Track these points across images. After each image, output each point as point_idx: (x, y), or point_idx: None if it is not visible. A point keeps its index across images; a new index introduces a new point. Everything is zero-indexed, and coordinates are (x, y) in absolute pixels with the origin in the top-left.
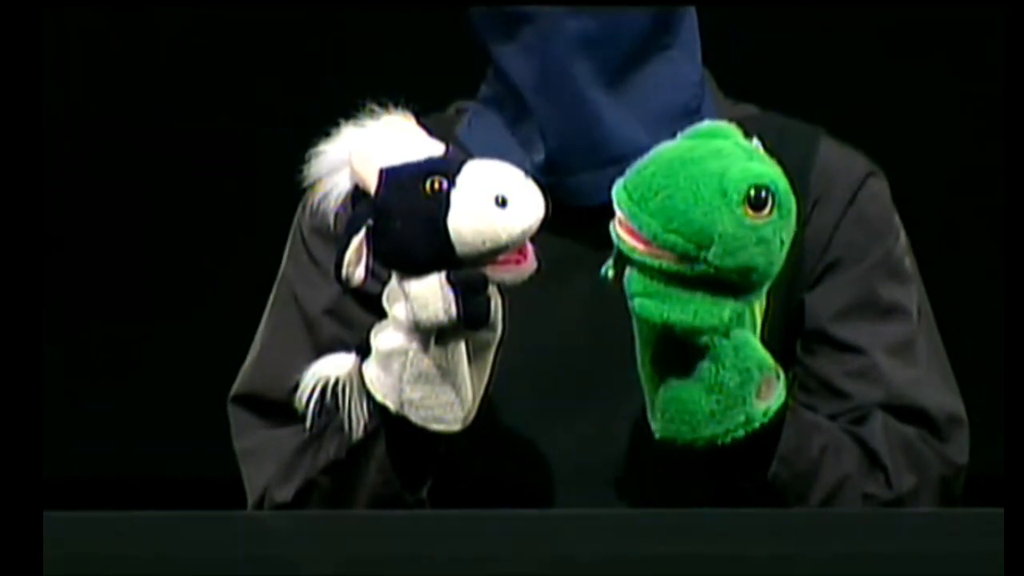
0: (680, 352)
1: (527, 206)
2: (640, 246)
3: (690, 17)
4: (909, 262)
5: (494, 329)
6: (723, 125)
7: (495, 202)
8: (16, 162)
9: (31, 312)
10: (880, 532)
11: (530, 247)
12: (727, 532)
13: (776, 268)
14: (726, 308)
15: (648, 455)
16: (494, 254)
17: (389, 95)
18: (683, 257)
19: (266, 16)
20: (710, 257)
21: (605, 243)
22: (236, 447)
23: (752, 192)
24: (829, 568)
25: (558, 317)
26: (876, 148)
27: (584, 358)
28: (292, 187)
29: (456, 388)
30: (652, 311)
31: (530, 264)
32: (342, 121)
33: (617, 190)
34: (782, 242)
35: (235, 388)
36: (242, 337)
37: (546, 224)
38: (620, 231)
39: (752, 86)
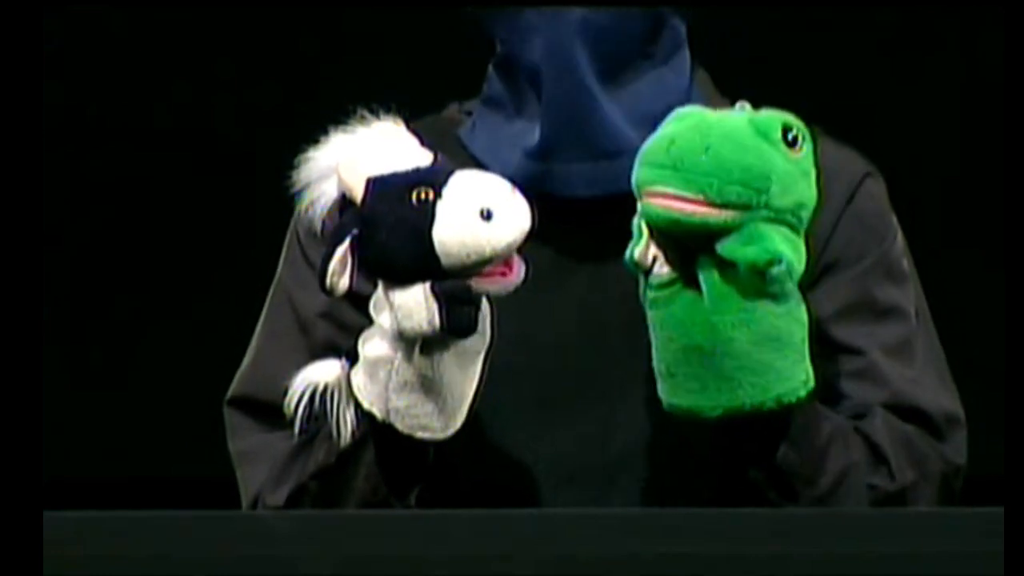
0: (753, 311)
1: (512, 219)
2: (696, 208)
3: (677, 31)
4: (906, 263)
5: (483, 337)
6: (694, 107)
7: (480, 215)
8: (15, 162)
9: (31, 312)
10: (880, 532)
11: (516, 259)
12: (727, 532)
13: (814, 203)
14: (801, 252)
15: (647, 455)
16: (479, 266)
17: (386, 96)
18: (743, 207)
19: (263, 17)
20: (771, 199)
21: (596, 237)
22: (231, 450)
23: (784, 131)
24: (829, 568)
25: (553, 320)
26: (875, 148)
27: (580, 360)
28: (291, 189)
29: (442, 397)
30: (769, 249)
31: (516, 276)
32: (333, 127)
33: (648, 170)
34: (814, 175)
35: (231, 391)
36: (241, 337)
37: (537, 228)
38: (664, 203)
39: (749, 86)
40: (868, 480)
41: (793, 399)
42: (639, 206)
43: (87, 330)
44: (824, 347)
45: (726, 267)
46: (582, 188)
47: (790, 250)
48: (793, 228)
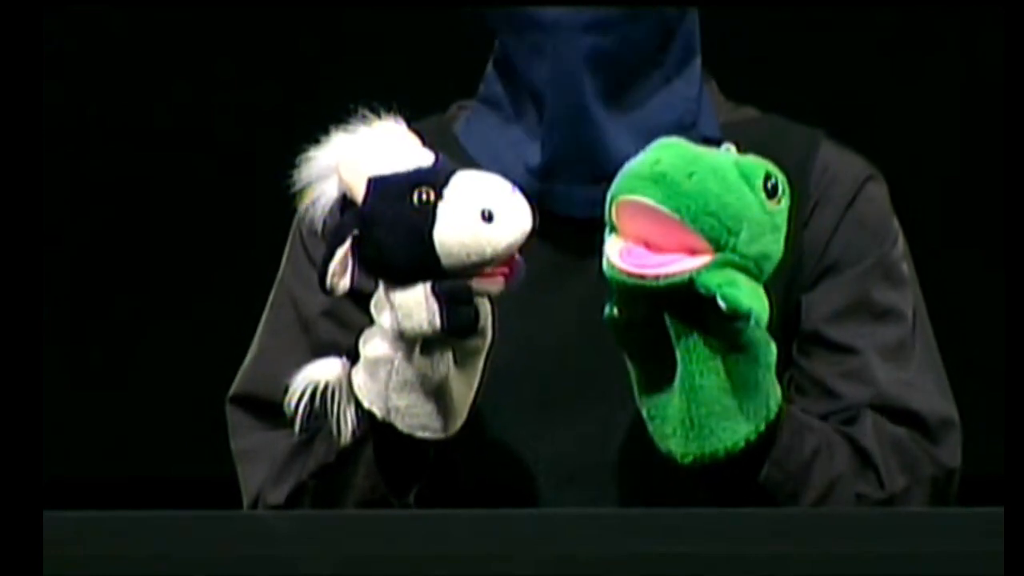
0: (722, 360)
1: (513, 221)
2: (666, 266)
3: (690, 35)
4: (906, 266)
5: (483, 337)
6: (678, 138)
7: (481, 216)
8: (16, 162)
9: (31, 312)
10: (880, 532)
11: (517, 259)
12: (727, 532)
13: (779, 257)
14: (765, 303)
15: (647, 455)
16: (479, 267)
17: (387, 96)
18: (713, 242)
19: (263, 17)
20: (738, 243)
21: (594, 253)
22: (232, 448)
23: (766, 179)
24: (829, 568)
25: (554, 321)
26: (875, 148)
27: (580, 361)
28: (291, 188)
29: (442, 397)
30: (742, 300)
31: (516, 277)
32: (333, 126)
33: (628, 180)
34: (785, 231)
35: (233, 389)
36: (241, 337)
37: (537, 232)
38: (628, 268)
39: (750, 86)
40: (856, 490)
41: (754, 436)
42: (604, 264)
43: (87, 330)
44: (820, 347)
45: (693, 320)
46: (582, 210)
47: (757, 303)
48: (755, 279)
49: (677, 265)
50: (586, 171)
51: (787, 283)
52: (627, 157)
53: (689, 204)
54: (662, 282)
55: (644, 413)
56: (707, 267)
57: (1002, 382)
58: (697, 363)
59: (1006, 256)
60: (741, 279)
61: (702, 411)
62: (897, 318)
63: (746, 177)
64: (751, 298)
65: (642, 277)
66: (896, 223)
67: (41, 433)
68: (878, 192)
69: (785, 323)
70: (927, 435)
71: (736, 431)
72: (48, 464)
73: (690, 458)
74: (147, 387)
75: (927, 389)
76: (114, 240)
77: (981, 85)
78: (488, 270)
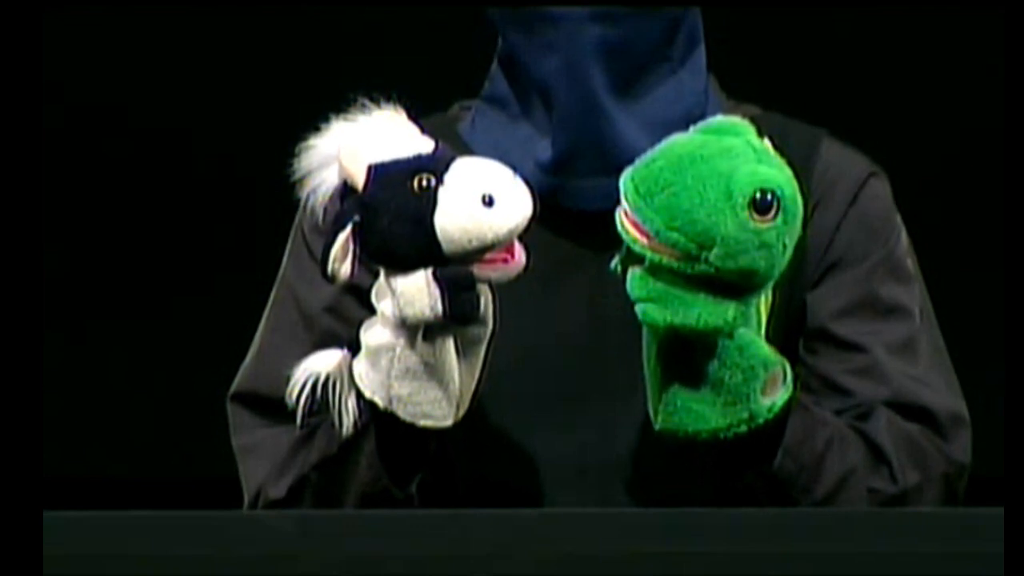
0: (685, 350)
1: (514, 206)
2: (643, 239)
3: (694, 27)
4: (911, 262)
5: (485, 325)
6: (737, 121)
7: (482, 201)
8: (16, 162)
9: (31, 312)
10: (880, 532)
11: (518, 246)
12: (727, 532)
13: (778, 272)
14: (729, 308)
15: (649, 456)
16: (480, 252)
17: (387, 93)
18: (684, 255)
19: (263, 16)
20: (711, 258)
21: (605, 247)
22: (234, 444)
23: (758, 196)
24: (829, 568)
25: (558, 318)
26: (875, 148)
27: (584, 359)
28: (292, 186)
29: (444, 384)
30: (655, 316)
31: (517, 263)
32: (334, 116)
33: (624, 180)
34: (785, 246)
35: (234, 386)
36: (242, 337)
37: (546, 225)
38: (625, 222)
39: (751, 86)
40: (868, 484)
41: (730, 435)
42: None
43: (87, 329)
44: (828, 345)
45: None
46: (595, 202)
47: (696, 316)
48: (739, 291)
49: (656, 246)
50: (598, 163)
51: (790, 281)
52: (638, 149)
53: (654, 220)
54: (639, 248)
55: (645, 369)
56: (636, 274)
57: (1002, 382)
58: (669, 344)
59: (1006, 255)
60: (676, 291)
61: (673, 385)
62: (904, 315)
63: (730, 193)
64: (677, 311)
65: (634, 237)
66: (899, 220)
67: (41, 433)
68: (881, 189)
69: (789, 321)
70: (938, 431)
71: (702, 419)
72: (48, 463)
73: (658, 426)
74: (147, 387)
75: (937, 385)
76: (114, 239)
77: (981, 85)
78: (489, 256)
